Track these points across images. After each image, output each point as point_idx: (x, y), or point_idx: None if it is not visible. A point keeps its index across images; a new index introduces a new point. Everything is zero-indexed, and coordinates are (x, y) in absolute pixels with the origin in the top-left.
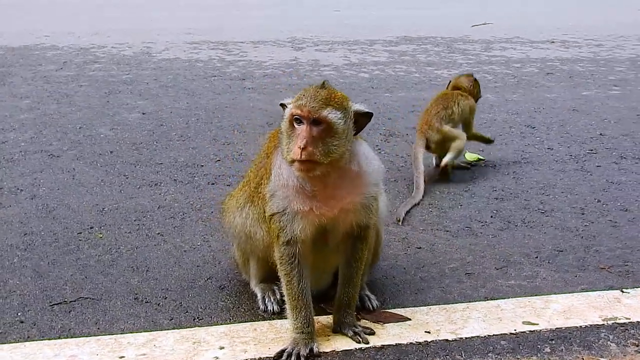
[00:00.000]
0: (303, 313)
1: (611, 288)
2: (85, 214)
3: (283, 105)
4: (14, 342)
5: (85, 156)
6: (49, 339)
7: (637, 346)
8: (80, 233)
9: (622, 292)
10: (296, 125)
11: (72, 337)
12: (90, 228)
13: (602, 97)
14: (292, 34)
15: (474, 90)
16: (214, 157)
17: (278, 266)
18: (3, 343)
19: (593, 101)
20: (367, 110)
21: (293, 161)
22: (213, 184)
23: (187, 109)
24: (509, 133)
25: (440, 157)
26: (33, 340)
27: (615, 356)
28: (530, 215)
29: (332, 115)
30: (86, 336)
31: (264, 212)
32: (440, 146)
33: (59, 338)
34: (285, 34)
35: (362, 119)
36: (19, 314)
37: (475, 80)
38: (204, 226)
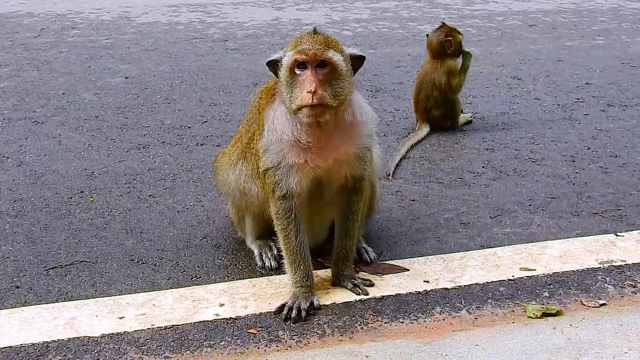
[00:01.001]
0: (302, 267)
1: (605, 232)
2: (75, 179)
3: (271, 63)
4: (11, 308)
5: (70, 122)
6: (47, 303)
7: (634, 287)
8: (71, 198)
9: (617, 235)
10: (298, 72)
11: (70, 300)
12: (81, 192)
13: (586, 47)
14: None
15: (452, 49)
16: (201, 118)
17: (274, 221)
18: (0, 308)
19: (577, 51)
20: (360, 53)
21: (300, 108)
22: (202, 144)
23: (170, 72)
24: (495, 85)
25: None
26: (30, 305)
27: (613, 298)
28: (521, 164)
29: (336, 56)
30: (84, 299)
31: (258, 167)
32: (444, 116)
33: (57, 301)
34: None
35: (355, 63)
36: (14, 279)
37: (448, 39)
38: (196, 187)
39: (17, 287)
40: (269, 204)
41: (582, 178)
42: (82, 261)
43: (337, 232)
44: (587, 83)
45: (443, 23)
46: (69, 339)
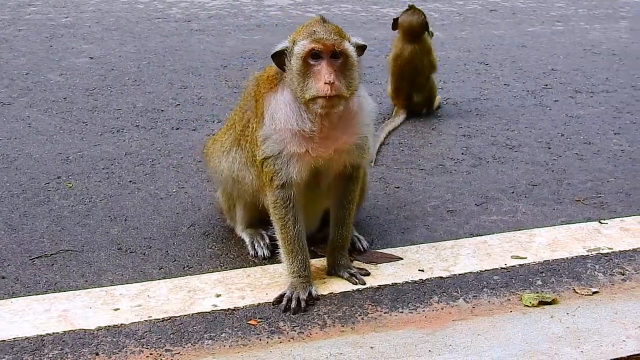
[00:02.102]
0: (299, 257)
1: (589, 219)
2: (50, 163)
3: (277, 54)
4: None
5: (38, 103)
6: (37, 294)
7: (623, 275)
8: (48, 183)
9: (600, 222)
10: (312, 62)
11: (60, 291)
12: (58, 178)
13: (547, 33)
14: None
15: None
16: (173, 101)
17: (271, 210)
18: None
19: (539, 37)
20: (363, 42)
21: (314, 99)
22: (177, 128)
23: (136, 52)
24: (464, 70)
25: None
26: (19, 296)
27: (604, 286)
28: (499, 151)
29: (350, 47)
30: (75, 289)
31: (253, 155)
32: (424, 101)
33: (47, 292)
34: None
35: (358, 52)
36: None
37: (425, 19)
38: (177, 172)
39: (3, 278)
40: (264, 193)
41: (560, 165)
42: (67, 250)
43: (333, 221)
44: (552, 69)
45: (411, 5)
46: (64, 332)
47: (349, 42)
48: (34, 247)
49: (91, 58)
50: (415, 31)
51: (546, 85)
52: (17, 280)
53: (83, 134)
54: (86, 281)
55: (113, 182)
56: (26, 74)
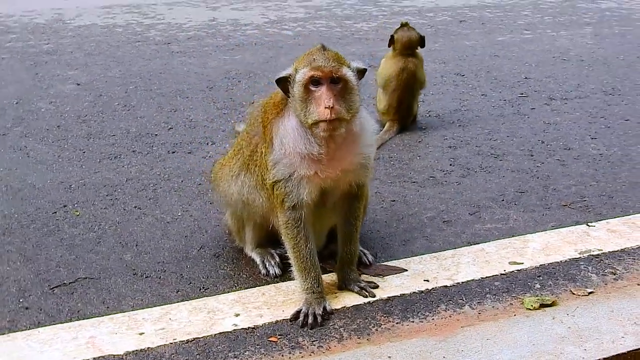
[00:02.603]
0: (312, 274)
1: (577, 223)
2: (54, 192)
3: (281, 80)
4: (26, 330)
5: (33, 132)
6: (62, 323)
7: (615, 275)
8: (55, 212)
9: (588, 225)
10: (313, 88)
11: (84, 319)
12: (64, 206)
13: (517, 42)
14: None
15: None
16: (165, 125)
17: (283, 231)
18: (15, 331)
19: (510, 46)
20: (364, 66)
21: (317, 123)
22: (173, 152)
23: (121, 77)
24: (442, 82)
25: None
26: (45, 326)
27: (598, 286)
28: (485, 160)
29: (349, 72)
30: (98, 316)
31: (262, 179)
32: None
33: (71, 320)
34: None
35: (359, 75)
36: (20, 300)
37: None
38: (179, 196)
39: (27, 308)
40: (275, 214)
41: (544, 171)
42: (85, 277)
43: (341, 237)
44: (526, 77)
45: (406, 22)
46: (94, 358)
47: (348, 67)
48: (51, 276)
49: (78, 84)
50: (413, 45)
51: (522, 93)
52: (41, 310)
53: (82, 161)
54: (108, 307)
55: (118, 208)
56: (16, 103)
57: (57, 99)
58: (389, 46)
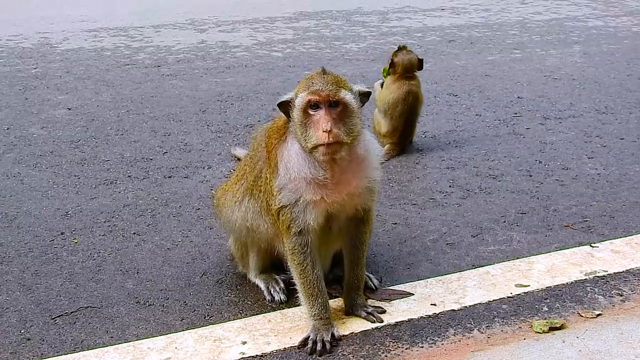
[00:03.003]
0: (320, 300)
1: (580, 244)
2: (50, 220)
3: (283, 104)
4: None
5: (25, 159)
6: (66, 354)
7: (622, 296)
8: (53, 240)
9: (592, 246)
10: (312, 112)
11: (88, 349)
12: (62, 234)
13: (507, 61)
14: (189, 15)
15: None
16: (160, 149)
17: (289, 257)
18: None
19: (500, 65)
20: (367, 89)
21: (316, 147)
22: (169, 177)
23: (112, 101)
24: (435, 103)
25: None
26: (49, 357)
27: (606, 308)
28: (484, 181)
29: (348, 95)
30: (103, 346)
31: (267, 204)
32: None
33: (75, 352)
34: (182, 15)
35: (362, 98)
36: (22, 331)
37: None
38: (178, 222)
39: (28, 339)
40: (280, 240)
41: (544, 192)
42: (87, 307)
43: (347, 263)
44: (518, 97)
45: (404, 45)
46: None
47: (349, 90)
48: (52, 306)
49: (69, 109)
50: (414, 68)
51: (516, 113)
52: (43, 340)
53: (77, 187)
54: (111, 337)
55: (117, 235)
56: (7, 128)
57: (48, 124)
58: (389, 69)
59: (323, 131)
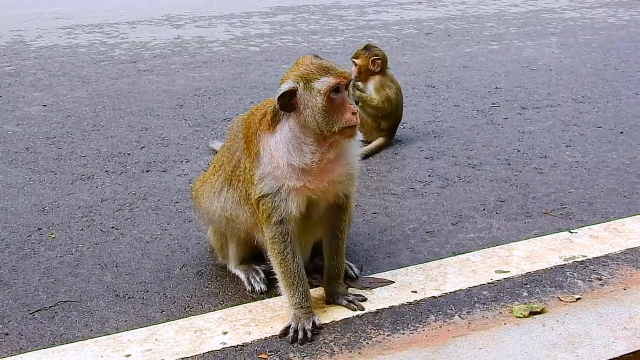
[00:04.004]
0: (300, 289)
1: (559, 230)
2: (27, 216)
3: (286, 94)
4: (8, 357)
5: (1, 155)
6: (45, 348)
7: (600, 280)
8: (30, 236)
9: (570, 232)
10: (334, 96)
11: (68, 343)
12: (39, 229)
13: (484, 53)
14: (165, 11)
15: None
16: (137, 144)
17: (269, 246)
18: None
19: (478, 57)
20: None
21: (344, 129)
22: (147, 171)
23: (88, 97)
24: (413, 94)
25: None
26: (27, 352)
27: (585, 292)
28: (463, 170)
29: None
30: (82, 340)
31: (246, 194)
32: None
33: (54, 345)
34: (158, 11)
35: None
36: (0, 326)
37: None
38: (157, 215)
39: (7, 334)
40: (260, 230)
41: (522, 180)
42: (65, 301)
43: (327, 251)
44: (496, 87)
45: (368, 44)
46: None
47: None
48: (30, 300)
49: (44, 105)
50: (385, 63)
51: (494, 103)
52: (22, 335)
53: (54, 183)
54: (91, 330)
55: (95, 229)
56: None
57: (23, 121)
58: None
59: (352, 113)
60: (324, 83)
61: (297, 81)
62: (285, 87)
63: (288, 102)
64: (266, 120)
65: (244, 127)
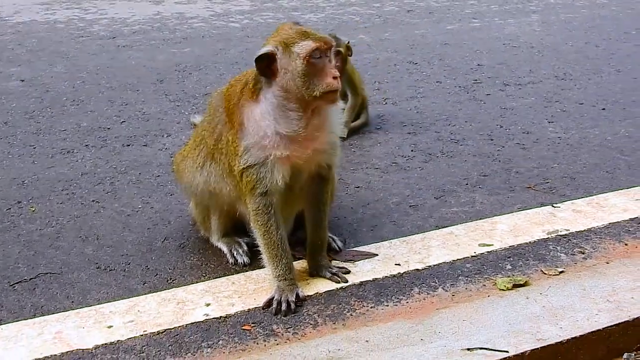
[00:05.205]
0: (284, 261)
1: (542, 204)
2: (6, 189)
3: (263, 57)
4: None
5: None
6: (25, 319)
7: (583, 254)
8: (9, 209)
9: (553, 206)
10: (314, 61)
11: (49, 314)
12: (19, 202)
13: (466, 30)
14: None
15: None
16: (117, 118)
17: (252, 218)
18: None
19: (460, 34)
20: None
21: (325, 93)
22: (128, 145)
23: (67, 72)
24: (395, 71)
25: None
26: (8, 322)
27: (568, 265)
28: (446, 145)
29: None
30: (64, 311)
31: (229, 166)
32: None
33: (35, 316)
34: None
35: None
36: None
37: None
38: (138, 188)
39: None
40: (243, 202)
41: (505, 155)
42: (46, 273)
43: (310, 224)
44: (478, 64)
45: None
46: (63, 353)
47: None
48: (10, 273)
49: (22, 80)
50: None
51: (476, 80)
52: (2, 306)
53: (33, 157)
54: (72, 302)
55: (76, 202)
56: None
57: (1, 95)
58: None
59: (334, 77)
60: (303, 47)
61: (276, 46)
62: (263, 50)
63: (267, 68)
64: (248, 89)
65: (224, 100)
